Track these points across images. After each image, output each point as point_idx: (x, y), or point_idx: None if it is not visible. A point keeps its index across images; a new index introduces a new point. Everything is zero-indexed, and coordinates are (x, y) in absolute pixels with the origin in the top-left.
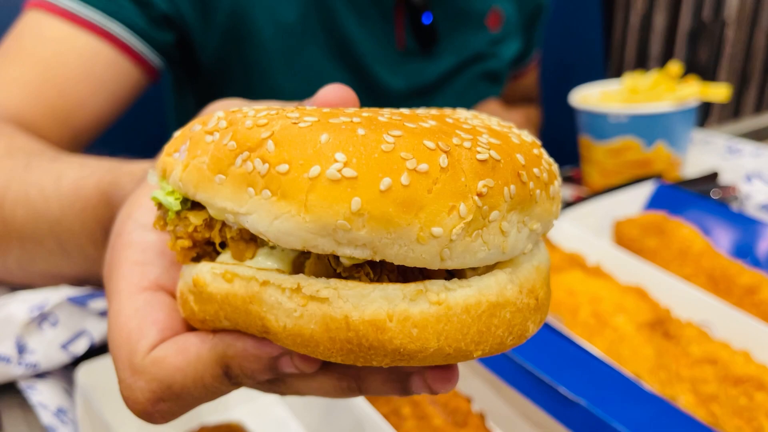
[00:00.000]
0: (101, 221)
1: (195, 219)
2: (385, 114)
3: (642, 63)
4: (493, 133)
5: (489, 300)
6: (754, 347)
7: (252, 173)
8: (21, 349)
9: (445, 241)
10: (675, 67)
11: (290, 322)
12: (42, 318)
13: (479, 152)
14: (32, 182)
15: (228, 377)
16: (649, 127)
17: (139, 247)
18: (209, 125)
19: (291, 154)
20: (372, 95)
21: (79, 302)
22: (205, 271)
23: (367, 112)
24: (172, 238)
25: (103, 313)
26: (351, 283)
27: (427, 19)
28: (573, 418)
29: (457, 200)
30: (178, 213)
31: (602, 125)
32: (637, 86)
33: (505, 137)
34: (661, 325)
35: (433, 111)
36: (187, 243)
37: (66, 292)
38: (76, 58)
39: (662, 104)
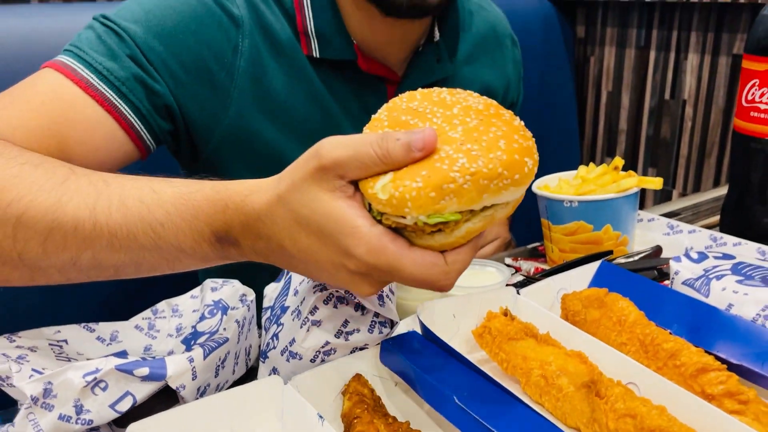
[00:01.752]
0: (215, 229)
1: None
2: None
3: (612, 136)
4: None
5: None
6: (668, 403)
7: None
8: (78, 410)
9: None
10: (618, 161)
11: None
12: (95, 383)
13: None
14: (123, 193)
15: None
16: (596, 211)
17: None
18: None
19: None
20: None
21: (125, 370)
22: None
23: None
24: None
25: (146, 379)
26: None
27: None
28: None
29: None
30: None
31: (558, 210)
32: (587, 176)
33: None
34: (595, 385)
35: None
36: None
37: (114, 362)
38: (81, 122)
39: (607, 193)
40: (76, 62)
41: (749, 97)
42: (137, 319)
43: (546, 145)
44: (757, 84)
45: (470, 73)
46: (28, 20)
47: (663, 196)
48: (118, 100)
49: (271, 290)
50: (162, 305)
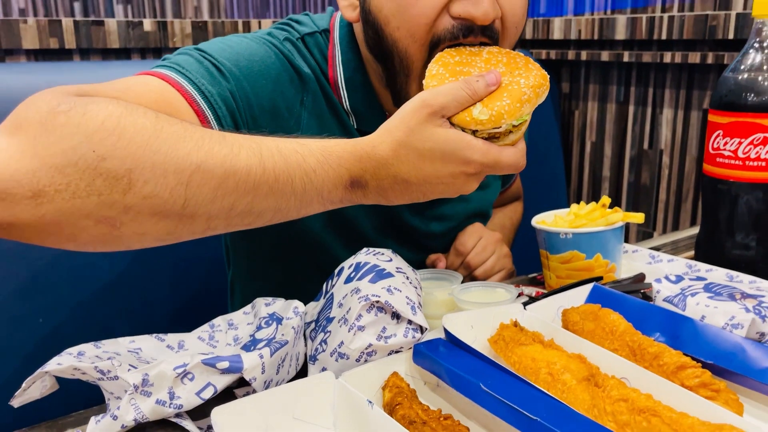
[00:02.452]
0: (353, 173)
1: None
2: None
3: (596, 183)
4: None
5: None
6: (653, 392)
7: None
8: (171, 395)
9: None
10: (605, 199)
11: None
12: (184, 374)
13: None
14: (275, 141)
15: None
16: (588, 242)
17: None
18: None
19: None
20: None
21: (209, 363)
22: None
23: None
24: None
25: (224, 371)
26: None
27: None
28: (534, 428)
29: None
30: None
31: (555, 241)
32: (579, 212)
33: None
34: (593, 378)
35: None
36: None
37: (199, 357)
38: (165, 105)
39: (597, 226)
40: (178, 76)
41: (715, 146)
42: (198, 332)
43: (536, 191)
44: (720, 134)
45: None
46: (68, 76)
47: (645, 237)
48: (213, 120)
49: (312, 308)
50: (218, 320)
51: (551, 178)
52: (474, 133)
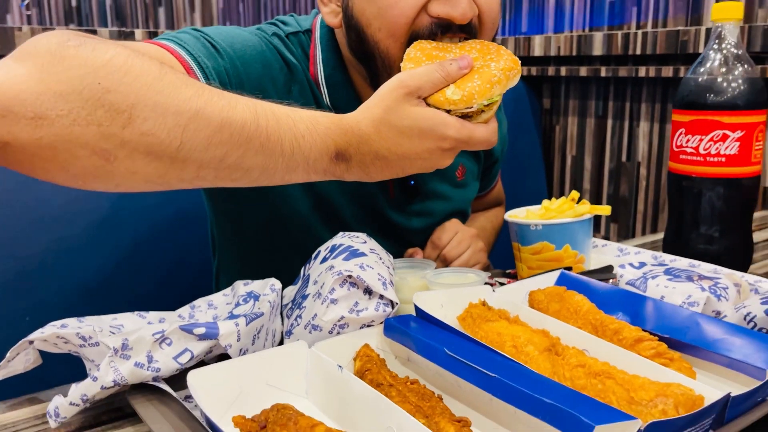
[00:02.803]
0: (338, 145)
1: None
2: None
3: None
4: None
5: None
6: (611, 361)
7: None
8: (150, 359)
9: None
10: (575, 194)
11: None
12: (162, 339)
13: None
14: (270, 105)
15: None
16: (557, 233)
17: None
18: None
19: None
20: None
21: (186, 330)
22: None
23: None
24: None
25: (201, 337)
26: None
27: (411, 182)
28: (495, 387)
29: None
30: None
31: (526, 233)
32: (550, 206)
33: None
34: (554, 348)
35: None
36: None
37: (177, 323)
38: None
39: (566, 218)
40: (177, 47)
41: (678, 143)
42: (179, 311)
43: (519, 203)
44: (683, 132)
45: None
46: None
47: None
48: (195, 66)
49: (290, 290)
50: (199, 301)
51: (533, 190)
52: (448, 112)
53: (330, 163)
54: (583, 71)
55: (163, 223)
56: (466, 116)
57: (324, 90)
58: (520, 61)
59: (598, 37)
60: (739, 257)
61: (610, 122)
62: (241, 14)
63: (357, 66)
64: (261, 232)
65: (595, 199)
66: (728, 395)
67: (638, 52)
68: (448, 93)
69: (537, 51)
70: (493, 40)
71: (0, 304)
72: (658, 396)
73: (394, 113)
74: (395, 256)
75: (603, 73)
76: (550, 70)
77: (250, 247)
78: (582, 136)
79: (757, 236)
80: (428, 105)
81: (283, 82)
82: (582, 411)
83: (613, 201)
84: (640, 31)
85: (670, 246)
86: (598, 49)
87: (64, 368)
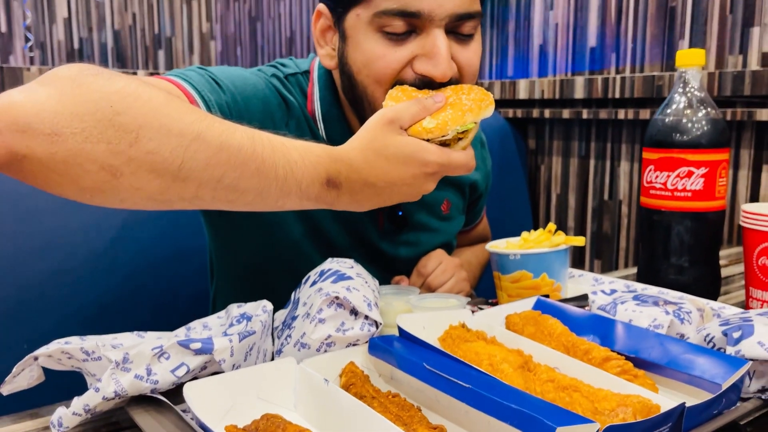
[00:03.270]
0: (329, 172)
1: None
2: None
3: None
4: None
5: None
6: (580, 377)
7: None
8: (149, 372)
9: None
10: (551, 226)
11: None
12: (161, 353)
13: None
14: (265, 134)
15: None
16: (535, 262)
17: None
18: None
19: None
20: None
21: (183, 345)
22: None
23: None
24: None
25: (197, 352)
26: None
27: (399, 213)
28: (469, 397)
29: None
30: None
31: (505, 262)
32: (528, 238)
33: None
34: (527, 364)
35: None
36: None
37: (175, 339)
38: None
39: (543, 248)
40: (188, 86)
41: (648, 179)
42: (176, 332)
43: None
44: (652, 169)
45: None
46: None
47: None
48: (198, 98)
49: (280, 314)
50: (194, 323)
51: (520, 228)
52: (428, 141)
53: (321, 189)
54: (566, 113)
55: (161, 256)
56: (444, 144)
57: (320, 125)
58: (491, 95)
59: (580, 81)
60: (707, 287)
61: (592, 162)
62: (238, 57)
63: (353, 108)
64: (256, 258)
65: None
66: (683, 405)
67: (617, 95)
68: (425, 123)
69: (522, 94)
70: (480, 83)
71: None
72: (619, 406)
73: (380, 143)
74: (382, 283)
75: (585, 116)
76: (535, 113)
77: (245, 272)
78: (566, 176)
79: (731, 270)
80: (410, 136)
81: (280, 117)
82: (545, 415)
83: (597, 238)
84: (618, 76)
85: (643, 276)
86: (579, 93)
87: (68, 381)
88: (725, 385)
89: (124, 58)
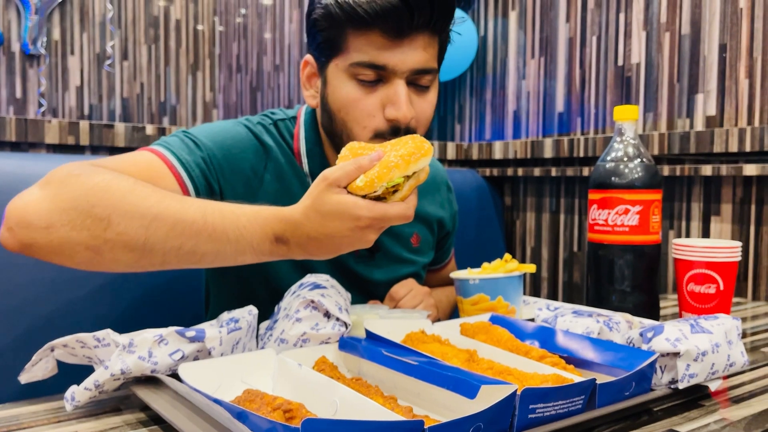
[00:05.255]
0: (276, 231)
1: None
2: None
3: (537, 283)
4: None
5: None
6: (515, 366)
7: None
8: (150, 354)
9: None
10: (507, 257)
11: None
12: (161, 340)
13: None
14: (217, 205)
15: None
16: (491, 286)
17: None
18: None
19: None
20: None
21: (180, 333)
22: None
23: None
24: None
25: (192, 339)
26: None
27: None
28: (416, 371)
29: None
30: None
31: (466, 287)
32: (487, 266)
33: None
34: (472, 357)
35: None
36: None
37: (173, 328)
38: (157, 178)
39: (498, 273)
40: (166, 152)
41: (593, 217)
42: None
43: None
44: (596, 207)
45: (417, 205)
46: None
47: None
48: (189, 183)
49: (265, 323)
50: (188, 330)
51: None
52: (364, 197)
53: (272, 246)
54: (537, 171)
55: (159, 287)
56: (381, 198)
57: (304, 160)
58: (428, 144)
59: (549, 142)
60: (648, 311)
61: (562, 217)
62: (238, 115)
63: (330, 141)
64: (244, 282)
65: (552, 285)
66: (593, 380)
67: (582, 154)
68: (357, 181)
69: (498, 154)
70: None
71: (9, 358)
72: (542, 382)
73: (318, 201)
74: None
75: (553, 173)
76: (510, 171)
77: (235, 295)
78: (539, 230)
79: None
80: (349, 193)
81: (257, 161)
82: (473, 378)
83: (568, 287)
84: (583, 137)
85: (591, 304)
86: (548, 153)
87: (77, 374)
88: (635, 370)
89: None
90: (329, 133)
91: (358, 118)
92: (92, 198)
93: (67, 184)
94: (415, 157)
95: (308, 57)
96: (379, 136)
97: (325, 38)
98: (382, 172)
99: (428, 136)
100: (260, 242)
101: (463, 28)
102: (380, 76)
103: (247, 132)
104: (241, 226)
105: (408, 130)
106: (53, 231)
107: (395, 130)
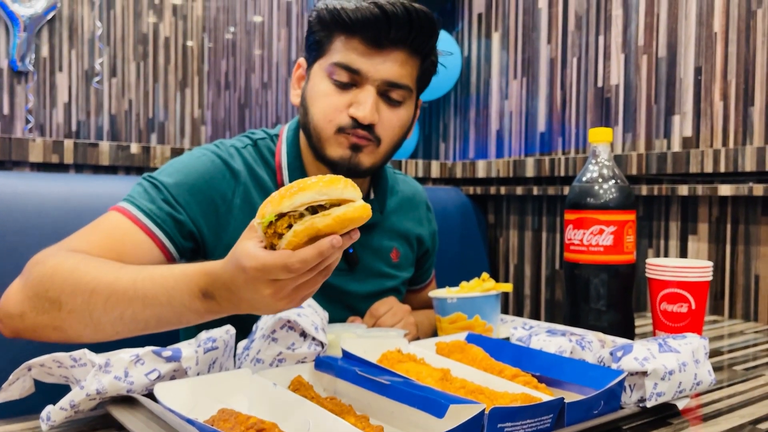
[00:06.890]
0: (201, 286)
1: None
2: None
3: (520, 300)
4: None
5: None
6: (486, 385)
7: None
8: (126, 374)
9: None
10: (485, 276)
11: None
12: (137, 360)
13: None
14: (150, 270)
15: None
16: (468, 305)
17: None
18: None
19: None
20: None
21: (156, 353)
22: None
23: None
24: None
25: (169, 359)
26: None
27: (350, 250)
28: (388, 390)
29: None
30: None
31: (444, 305)
32: (465, 285)
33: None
34: (446, 376)
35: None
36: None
37: (150, 348)
38: (133, 244)
39: (475, 292)
40: (130, 206)
41: (569, 236)
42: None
43: None
44: (571, 227)
45: (396, 221)
46: (65, 185)
47: None
48: (156, 230)
49: (242, 343)
50: (165, 349)
51: None
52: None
53: (202, 302)
54: (519, 190)
55: None
56: (273, 246)
57: (285, 173)
58: (321, 180)
59: (530, 161)
60: (624, 330)
61: (544, 234)
62: (227, 134)
63: (308, 151)
64: None
65: (535, 303)
66: (562, 399)
67: (562, 174)
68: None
69: (481, 173)
70: (444, 164)
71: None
72: (512, 401)
73: (234, 251)
74: (339, 321)
75: (535, 192)
76: (492, 190)
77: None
78: (522, 247)
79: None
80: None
81: (225, 187)
82: (442, 398)
83: (550, 305)
84: (563, 157)
85: (567, 322)
86: (530, 172)
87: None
88: (603, 388)
89: (118, 140)
90: (305, 130)
91: (326, 111)
92: (46, 282)
93: (31, 272)
94: (292, 191)
95: (301, 60)
96: (342, 132)
97: (315, 40)
98: (261, 210)
99: (414, 154)
100: (190, 300)
101: (447, 49)
102: (354, 80)
103: (214, 160)
104: (170, 288)
105: (371, 132)
106: (26, 318)
107: (357, 127)
